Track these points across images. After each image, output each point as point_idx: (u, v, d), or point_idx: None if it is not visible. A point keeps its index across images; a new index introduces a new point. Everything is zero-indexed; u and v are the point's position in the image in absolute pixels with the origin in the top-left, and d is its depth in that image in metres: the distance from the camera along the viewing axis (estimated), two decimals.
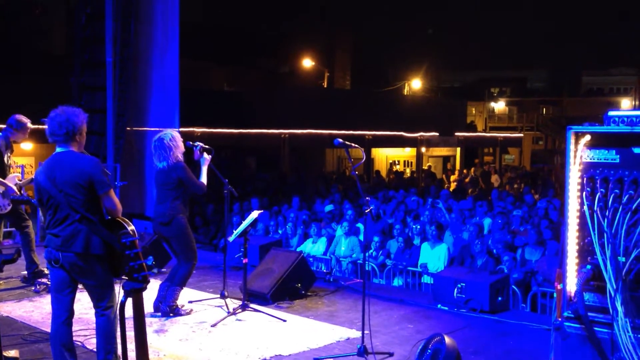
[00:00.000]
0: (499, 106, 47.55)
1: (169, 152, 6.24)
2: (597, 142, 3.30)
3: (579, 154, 3.29)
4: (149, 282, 3.17)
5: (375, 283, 9.28)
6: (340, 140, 5.35)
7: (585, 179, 3.29)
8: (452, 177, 25.57)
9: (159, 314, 6.34)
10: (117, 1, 10.15)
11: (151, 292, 6.46)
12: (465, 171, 27.37)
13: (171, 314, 6.30)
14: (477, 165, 30.01)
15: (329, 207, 12.48)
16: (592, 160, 3.30)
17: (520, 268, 8.80)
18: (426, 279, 8.85)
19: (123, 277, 3.61)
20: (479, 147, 35.28)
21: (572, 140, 3.29)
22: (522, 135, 38.02)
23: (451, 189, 19.37)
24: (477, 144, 35.00)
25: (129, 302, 3.27)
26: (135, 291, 3.14)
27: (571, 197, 3.30)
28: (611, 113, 3.35)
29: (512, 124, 45.03)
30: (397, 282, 9.37)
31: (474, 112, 45.37)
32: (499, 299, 6.67)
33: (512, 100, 47.85)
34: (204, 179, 6.40)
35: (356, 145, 5.41)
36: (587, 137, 3.30)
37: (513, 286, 8.08)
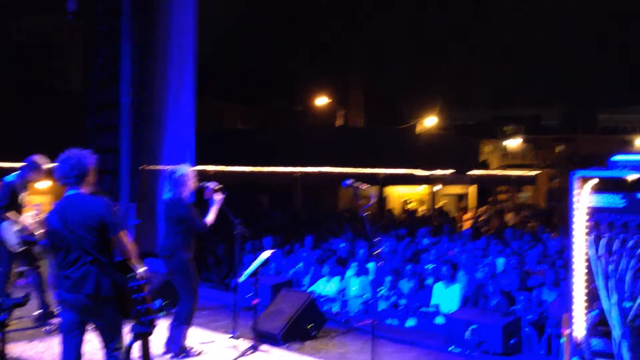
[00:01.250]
0: (513, 144, 47.45)
1: (176, 187, 6.31)
2: (603, 186, 3.31)
3: (585, 199, 3.30)
4: (155, 326, 3.18)
5: (388, 324, 9.20)
6: (349, 181, 5.38)
7: (591, 223, 3.29)
8: (465, 216, 25.44)
9: (171, 354, 6.31)
10: (134, 43, 10.35)
11: (162, 331, 6.47)
12: (481, 209, 27.22)
13: (182, 354, 6.27)
14: (491, 203, 29.86)
15: (342, 245, 12.44)
16: (598, 205, 3.31)
17: (535, 309, 8.70)
18: (439, 320, 8.77)
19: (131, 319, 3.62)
20: (492, 185, 35.15)
21: (578, 185, 3.30)
22: (536, 173, 37.85)
23: (464, 228, 19.29)
24: (491, 182, 34.87)
25: (137, 345, 3.28)
26: (142, 335, 3.15)
27: (577, 241, 3.29)
28: (615, 158, 3.37)
29: (526, 161, 44.86)
30: (410, 322, 9.29)
31: (488, 150, 45.29)
32: (512, 341, 6.59)
33: (526, 137, 47.75)
34: (209, 217, 6.42)
35: (365, 186, 5.43)
36: (593, 182, 3.31)
37: (527, 327, 7.98)
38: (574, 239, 3.33)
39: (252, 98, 32.91)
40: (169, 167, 6.58)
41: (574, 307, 3.35)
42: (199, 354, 6.39)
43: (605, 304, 3.27)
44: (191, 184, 6.42)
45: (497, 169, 41.04)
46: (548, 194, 36.56)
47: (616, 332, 3.13)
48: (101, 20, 10.76)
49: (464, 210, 28.18)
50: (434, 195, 29.61)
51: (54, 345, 6.59)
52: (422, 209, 30.74)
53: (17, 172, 7.12)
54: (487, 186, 34.25)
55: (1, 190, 6.97)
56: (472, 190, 33.29)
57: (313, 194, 25.12)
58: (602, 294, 3.26)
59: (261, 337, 6.74)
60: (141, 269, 4.24)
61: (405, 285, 9.92)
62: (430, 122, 36.56)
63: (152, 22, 10.67)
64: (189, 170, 6.46)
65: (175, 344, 6.28)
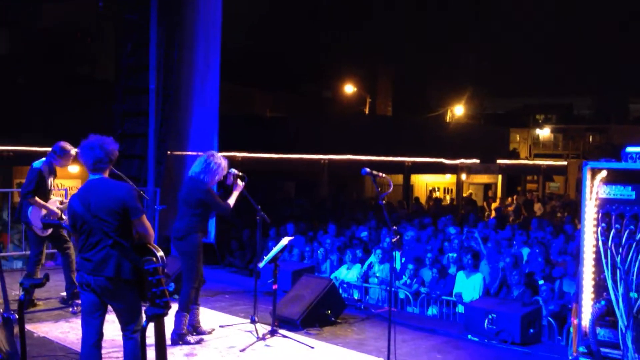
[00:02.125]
0: (544, 133, 46.86)
1: (205, 170, 6.27)
2: (614, 178, 3.29)
3: (595, 190, 3.28)
4: (170, 307, 3.26)
5: (409, 312, 9.23)
6: (368, 169, 5.40)
7: (601, 214, 3.28)
8: (493, 205, 25.26)
9: (190, 337, 6.38)
10: (162, 29, 10.47)
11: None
12: (509, 200, 26.98)
13: (179, 342, 6.26)
14: (520, 193, 29.57)
15: (363, 234, 12.47)
16: (608, 196, 3.29)
17: (557, 300, 8.65)
18: (460, 309, 8.77)
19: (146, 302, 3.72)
20: (521, 175, 34.77)
21: (589, 176, 3.28)
22: (567, 162, 37.36)
23: (492, 217, 19.15)
24: (520, 172, 34.50)
25: (151, 327, 3.37)
26: (156, 316, 3.23)
27: (587, 232, 3.28)
28: (629, 149, 3.34)
29: (557, 151, 44.30)
30: (432, 311, 9.31)
31: (518, 139, 44.81)
32: (531, 330, 6.57)
33: (557, 127, 47.12)
34: (230, 201, 6.46)
35: (383, 175, 5.46)
36: (604, 173, 3.29)
37: (549, 318, 7.95)
38: (584, 230, 3.32)
39: (281, 85, 32.99)
40: (194, 154, 6.59)
41: (582, 297, 3.35)
42: (198, 342, 6.37)
43: (612, 295, 3.27)
44: (219, 176, 6.40)
45: (526, 158, 40.59)
46: (578, 185, 36.04)
47: (622, 322, 3.13)
48: (130, 8, 10.90)
49: (492, 199, 27.96)
50: (461, 184, 29.42)
51: (78, 325, 6.71)
52: (448, 198, 30.59)
53: (44, 158, 7.26)
54: (516, 175, 33.91)
55: (29, 175, 7.13)
56: (501, 179, 32.99)
57: (339, 181, 25.16)
58: (610, 285, 3.26)
59: (280, 322, 6.83)
60: (159, 253, 4.34)
61: (427, 274, 9.93)
62: (459, 110, 36.28)
63: (180, 10, 10.78)
64: (224, 163, 6.42)
65: (174, 331, 6.26)
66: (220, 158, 6.45)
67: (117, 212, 4.42)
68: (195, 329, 6.48)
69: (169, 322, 6.23)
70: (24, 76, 21.64)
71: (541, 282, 8.79)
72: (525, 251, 10.83)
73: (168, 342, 5.86)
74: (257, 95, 32.35)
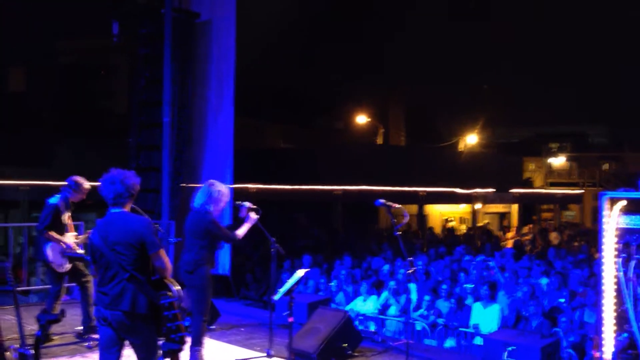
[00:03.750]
0: (559, 161, 46.65)
1: (208, 199, 6.27)
2: (633, 207, 3.25)
3: (614, 220, 3.25)
4: (185, 343, 3.24)
5: (426, 344, 9.12)
6: (382, 200, 5.39)
7: (621, 245, 3.24)
8: (509, 234, 25.07)
9: None
10: (175, 64, 10.59)
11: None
12: (527, 228, 26.76)
13: None
14: (535, 222, 29.36)
15: (386, 268, 12.25)
16: (628, 226, 3.25)
17: (577, 330, 8.52)
18: (478, 341, 8.65)
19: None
20: (536, 204, 34.56)
21: (607, 206, 3.25)
22: (582, 191, 37.12)
23: (508, 247, 18.98)
24: (535, 201, 34.31)
25: None
26: (172, 352, 3.21)
27: (607, 263, 3.24)
28: None
29: (572, 179, 44.03)
30: (449, 343, 9.19)
31: (532, 167, 44.63)
32: None
33: (571, 155, 46.90)
34: (241, 231, 6.44)
35: (398, 205, 5.44)
36: (623, 203, 3.26)
37: (569, 349, 7.82)
38: (603, 260, 3.28)
39: (293, 117, 33.21)
40: (207, 181, 6.56)
41: (603, 329, 3.29)
42: None
43: (634, 327, 3.21)
44: (222, 204, 6.41)
45: (541, 187, 40.36)
46: (594, 213, 35.73)
47: None
48: (143, 43, 11.05)
49: (507, 228, 27.76)
50: (475, 214, 29.26)
51: None
52: (463, 228, 30.41)
53: (59, 193, 7.30)
54: (530, 204, 33.71)
55: (45, 211, 7.16)
56: (515, 208, 32.79)
57: (353, 212, 25.12)
58: (632, 316, 3.20)
59: (296, 356, 6.76)
60: (176, 287, 4.33)
61: (444, 305, 9.83)
62: (472, 140, 36.26)
63: (193, 45, 10.92)
64: (225, 191, 6.48)
65: None
66: (221, 185, 6.46)
67: (134, 246, 4.43)
68: None
69: (185, 357, 6.19)
70: (43, 112, 21.97)
71: (561, 315, 8.65)
72: (544, 281, 10.71)
73: None
74: (269, 129, 32.59)
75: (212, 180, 6.50)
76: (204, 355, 6.32)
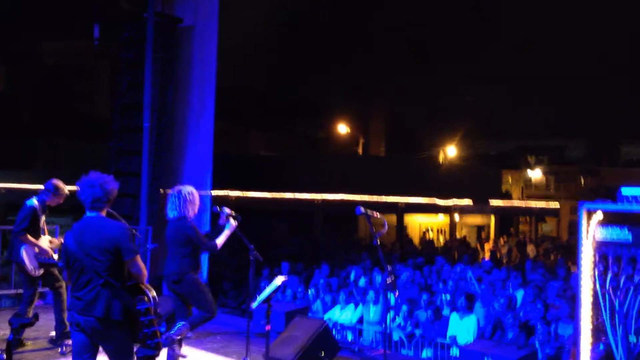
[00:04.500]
0: (536, 175, 47.09)
1: (182, 205, 6.23)
2: (610, 220, 3.29)
3: (592, 231, 3.28)
4: (161, 349, 3.20)
5: (403, 354, 9.12)
6: (362, 209, 5.39)
7: (598, 256, 3.26)
8: (487, 246, 25.23)
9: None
10: (157, 68, 10.54)
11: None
12: (503, 240, 26.96)
13: (167, 345, 6.07)
14: (512, 234, 29.58)
15: (362, 282, 12.18)
16: (605, 239, 3.28)
17: (553, 343, 8.57)
18: (455, 352, 8.67)
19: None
20: (513, 216, 34.83)
21: (585, 217, 3.28)
22: (559, 204, 37.49)
23: (485, 258, 19.10)
24: (512, 213, 34.57)
25: None
26: (148, 358, 3.18)
27: (584, 275, 3.26)
28: (624, 191, 3.34)
29: (549, 193, 44.45)
30: (426, 353, 9.20)
31: (510, 180, 44.98)
32: None
33: (549, 169, 47.37)
34: (220, 239, 6.39)
35: (378, 215, 5.44)
36: (600, 215, 3.29)
37: None
38: (581, 271, 3.30)
39: (275, 125, 33.19)
40: (172, 189, 6.50)
41: (580, 340, 3.31)
42: (179, 348, 6.24)
43: (611, 339, 3.23)
44: (196, 204, 6.38)
45: (519, 199, 40.69)
46: (571, 227, 36.14)
47: None
48: (126, 48, 11.00)
49: (485, 240, 27.94)
50: (454, 225, 29.42)
51: None
52: (441, 239, 30.55)
53: (37, 196, 7.21)
54: (508, 217, 33.96)
55: (21, 213, 7.07)
56: (493, 220, 33.02)
57: (333, 221, 25.14)
58: (609, 328, 3.23)
59: None
60: (152, 293, 4.29)
61: (422, 315, 9.84)
62: (451, 151, 36.51)
63: (175, 50, 10.91)
64: (194, 190, 6.42)
65: (168, 334, 6.13)
66: (187, 187, 6.42)
67: (110, 251, 4.38)
68: (173, 342, 6.29)
69: None
70: (23, 113, 21.76)
71: (538, 325, 8.70)
72: (520, 293, 10.77)
73: None
74: (251, 135, 32.53)
75: (178, 186, 6.45)
76: (183, 334, 6.24)
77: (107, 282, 4.33)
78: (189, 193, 6.31)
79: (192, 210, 6.31)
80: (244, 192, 20.98)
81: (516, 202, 37.35)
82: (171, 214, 6.29)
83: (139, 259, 4.48)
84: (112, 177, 4.68)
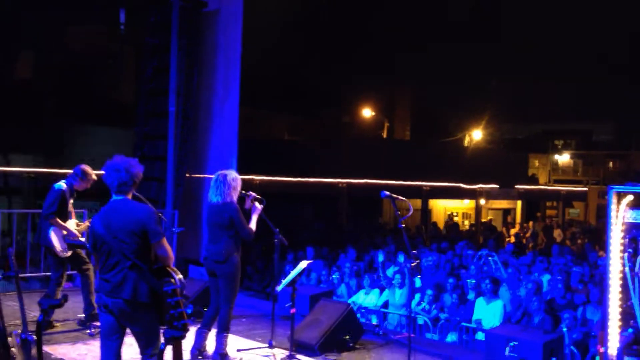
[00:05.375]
0: (564, 159, 46.53)
1: (227, 190, 6.29)
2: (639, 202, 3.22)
3: (621, 214, 3.22)
4: (188, 330, 3.23)
5: (428, 338, 9.12)
6: (387, 192, 5.37)
7: (627, 239, 3.21)
8: (512, 231, 25.03)
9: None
10: (182, 53, 10.58)
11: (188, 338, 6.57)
12: (525, 225, 26.73)
13: None
14: (539, 219, 29.29)
15: (390, 270, 12.18)
16: (635, 221, 3.22)
17: (580, 328, 8.50)
18: (480, 336, 8.64)
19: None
20: (540, 201, 34.48)
21: (614, 200, 3.23)
22: (587, 189, 37.02)
23: (511, 243, 18.98)
24: (539, 197, 34.22)
25: (169, 349, 3.34)
26: (174, 339, 3.20)
27: (613, 258, 3.21)
28: None
29: (577, 177, 43.92)
30: (451, 337, 9.18)
31: (537, 164, 44.52)
32: (553, 359, 6.44)
33: (577, 153, 46.76)
34: (252, 225, 6.46)
35: (403, 198, 5.42)
36: (630, 197, 3.23)
37: (571, 347, 7.81)
38: (610, 255, 3.25)
39: (299, 109, 33.14)
40: (217, 173, 6.53)
41: (609, 324, 3.27)
42: None
43: None
44: (239, 188, 6.43)
45: (545, 184, 40.27)
46: (598, 211, 35.68)
47: None
48: (151, 33, 11.04)
49: (511, 225, 27.73)
50: (479, 209, 29.21)
51: (96, 348, 6.73)
52: (467, 223, 30.37)
53: (65, 180, 7.31)
54: (535, 201, 33.62)
55: (50, 196, 7.17)
56: (520, 205, 32.72)
57: (358, 205, 25.10)
58: (637, 312, 3.18)
59: (298, 347, 6.76)
60: (178, 275, 4.33)
61: (447, 300, 9.82)
62: (477, 135, 36.18)
63: (200, 35, 10.91)
64: (237, 176, 6.46)
65: (216, 351, 6.34)
66: (230, 172, 6.47)
67: (137, 234, 4.42)
68: (201, 352, 6.42)
69: (187, 344, 6.22)
70: (49, 100, 21.99)
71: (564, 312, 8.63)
72: (546, 278, 10.69)
73: None
74: (275, 120, 32.52)
75: (221, 171, 6.48)
76: (228, 341, 6.40)
77: (134, 264, 4.38)
78: (233, 179, 6.35)
79: (235, 196, 6.36)
80: (268, 176, 21.02)
81: (543, 186, 36.98)
82: (215, 198, 6.33)
83: (165, 241, 4.52)
84: (137, 160, 4.71)
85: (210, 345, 6.47)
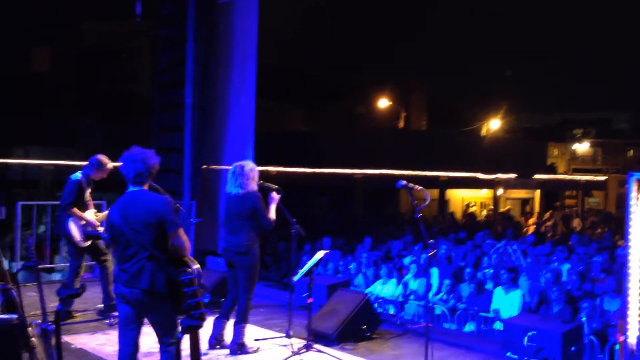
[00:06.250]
0: (583, 148, 46.09)
1: (247, 181, 6.31)
2: None
3: None
4: (205, 319, 3.24)
5: (445, 328, 9.09)
6: (404, 182, 5.34)
7: None
8: (531, 220, 24.85)
9: (222, 350, 6.42)
10: (198, 45, 10.58)
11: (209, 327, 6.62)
12: (547, 214, 26.52)
13: (239, 351, 6.37)
14: (558, 208, 29.05)
15: (407, 260, 12.06)
16: None
17: (599, 317, 8.43)
18: (498, 326, 8.60)
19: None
20: (559, 190, 34.19)
21: (634, 187, 3.18)
22: (606, 177, 36.65)
23: (529, 233, 18.85)
24: (558, 187, 33.93)
25: (186, 338, 3.36)
26: (191, 328, 3.22)
27: (633, 246, 3.17)
28: None
29: (596, 166, 43.52)
30: (469, 327, 9.15)
31: (556, 153, 44.14)
32: (572, 349, 6.39)
33: (596, 141, 46.31)
34: (272, 215, 6.47)
35: (419, 187, 5.39)
36: None
37: (591, 336, 7.74)
38: (629, 244, 3.21)
39: (314, 101, 33.12)
40: (233, 165, 6.54)
41: (628, 313, 3.23)
42: (256, 350, 6.47)
43: None
44: (257, 178, 6.43)
45: (564, 173, 39.92)
46: (618, 200, 35.31)
47: None
48: (165, 24, 11.04)
49: (530, 214, 27.53)
50: (497, 199, 29.03)
51: (115, 337, 6.71)
52: (484, 213, 30.20)
53: (81, 170, 7.36)
54: (553, 191, 33.34)
55: (68, 187, 7.23)
56: (538, 194, 32.47)
57: (374, 196, 25.06)
58: None
59: (315, 337, 6.77)
60: (195, 265, 4.35)
61: (465, 289, 9.78)
62: (495, 124, 35.92)
63: (215, 26, 10.88)
64: (255, 166, 6.47)
65: (234, 341, 6.39)
66: (248, 162, 6.49)
67: (153, 225, 4.43)
68: (219, 342, 6.47)
69: (204, 334, 6.26)
70: (66, 93, 22.16)
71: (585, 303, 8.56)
72: (565, 267, 10.61)
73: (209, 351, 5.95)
74: (291, 112, 32.52)
75: (238, 163, 6.49)
76: (246, 331, 6.45)
77: (152, 255, 4.40)
78: (250, 170, 6.38)
79: (254, 186, 6.37)
80: (283, 167, 21.04)
81: (561, 176, 36.65)
82: (234, 190, 6.35)
83: (182, 232, 4.54)
84: (153, 151, 4.72)
85: (229, 334, 6.50)
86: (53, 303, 7.41)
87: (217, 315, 6.58)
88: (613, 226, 20.63)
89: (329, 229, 16.57)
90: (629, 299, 3.28)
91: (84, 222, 7.27)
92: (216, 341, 6.49)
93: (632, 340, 3.29)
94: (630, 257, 3.28)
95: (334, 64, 33.59)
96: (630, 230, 3.27)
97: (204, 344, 6.49)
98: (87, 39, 25.70)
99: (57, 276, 11.05)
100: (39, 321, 4.83)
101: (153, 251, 4.41)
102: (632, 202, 3.27)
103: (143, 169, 4.58)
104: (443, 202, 27.36)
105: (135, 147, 4.70)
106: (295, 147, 22.97)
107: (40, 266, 10.51)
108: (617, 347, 3.38)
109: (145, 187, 4.66)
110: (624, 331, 3.21)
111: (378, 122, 34.00)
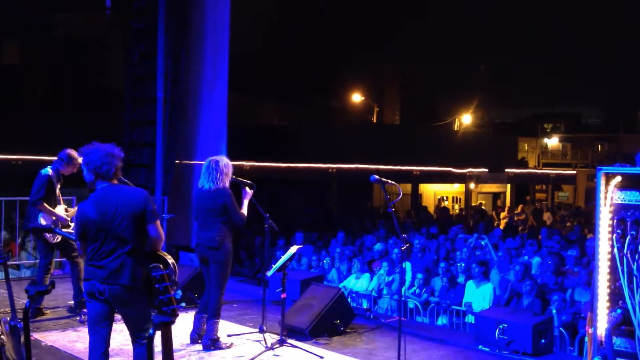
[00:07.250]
0: (553, 142, 46.72)
1: (220, 176, 6.28)
2: (629, 183, 3.23)
3: (610, 195, 3.23)
4: (177, 315, 3.22)
5: (418, 321, 9.16)
6: (377, 176, 5.36)
7: (615, 220, 3.22)
8: (502, 214, 25.14)
9: (198, 345, 6.41)
10: (169, 37, 10.47)
11: (185, 324, 6.60)
12: (518, 209, 26.83)
13: (212, 347, 6.35)
14: (529, 202, 29.43)
15: (378, 246, 12.24)
16: (623, 202, 3.23)
17: (569, 309, 8.55)
18: (470, 319, 8.69)
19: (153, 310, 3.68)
20: (530, 184, 34.64)
21: (603, 181, 3.23)
22: (576, 172, 37.22)
23: (501, 227, 19.06)
24: (529, 181, 34.37)
25: (158, 335, 3.33)
26: (164, 324, 3.19)
27: (602, 239, 3.22)
28: None
29: (566, 160, 44.12)
30: (442, 321, 9.23)
31: (526, 148, 44.68)
32: (543, 341, 6.49)
33: (566, 136, 46.97)
34: (244, 210, 6.45)
35: (392, 182, 5.41)
36: (618, 178, 3.23)
37: (561, 328, 7.86)
38: (598, 236, 3.26)
39: (288, 94, 33.04)
40: (208, 159, 6.50)
41: (597, 305, 3.29)
42: (229, 346, 6.46)
43: (628, 303, 3.20)
44: (231, 174, 6.41)
45: (535, 167, 40.44)
46: (587, 194, 35.88)
47: (639, 332, 3.07)
48: (137, 17, 10.91)
49: (501, 209, 27.85)
50: (469, 193, 29.31)
51: (86, 334, 6.63)
52: (457, 207, 30.47)
53: (51, 165, 7.25)
54: (525, 185, 33.77)
55: (37, 182, 7.12)
56: (509, 189, 32.85)
57: (348, 190, 25.12)
58: (626, 293, 3.20)
59: (289, 332, 6.78)
60: (170, 260, 4.32)
61: (437, 283, 9.86)
62: (467, 119, 36.25)
63: (187, 19, 10.78)
64: (229, 162, 6.45)
65: (207, 337, 6.37)
66: (222, 157, 6.47)
67: (138, 215, 4.39)
68: (200, 337, 6.46)
69: (185, 330, 6.23)
70: (36, 86, 21.81)
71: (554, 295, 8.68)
72: (536, 260, 10.75)
73: (182, 347, 5.92)
74: (264, 105, 32.41)
75: (213, 157, 6.46)
76: (219, 327, 6.44)
77: (133, 248, 4.35)
78: (224, 165, 6.35)
79: (227, 182, 6.35)
80: (258, 162, 20.98)
81: (532, 170, 37.12)
82: (207, 185, 6.32)
83: (159, 223, 4.52)
84: (113, 144, 4.67)
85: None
86: (22, 300, 7.32)
87: (197, 311, 6.58)
88: (582, 220, 20.96)
89: (304, 224, 16.59)
90: (598, 290, 3.34)
91: (54, 217, 7.17)
92: (198, 336, 6.50)
93: (600, 332, 3.35)
94: (599, 250, 3.33)
95: (308, 57, 33.54)
96: (599, 223, 3.32)
97: (185, 340, 6.49)
98: (59, 31, 25.31)
99: (26, 273, 10.88)
100: (8, 318, 4.77)
101: (135, 244, 4.37)
102: (601, 195, 3.32)
103: (119, 162, 4.55)
104: (416, 196, 27.53)
105: (96, 143, 4.65)
106: (269, 141, 22.92)
107: (10, 262, 10.36)
108: (586, 339, 3.44)
109: (115, 182, 4.60)
110: (593, 324, 3.27)
111: (352, 116, 34.07)
